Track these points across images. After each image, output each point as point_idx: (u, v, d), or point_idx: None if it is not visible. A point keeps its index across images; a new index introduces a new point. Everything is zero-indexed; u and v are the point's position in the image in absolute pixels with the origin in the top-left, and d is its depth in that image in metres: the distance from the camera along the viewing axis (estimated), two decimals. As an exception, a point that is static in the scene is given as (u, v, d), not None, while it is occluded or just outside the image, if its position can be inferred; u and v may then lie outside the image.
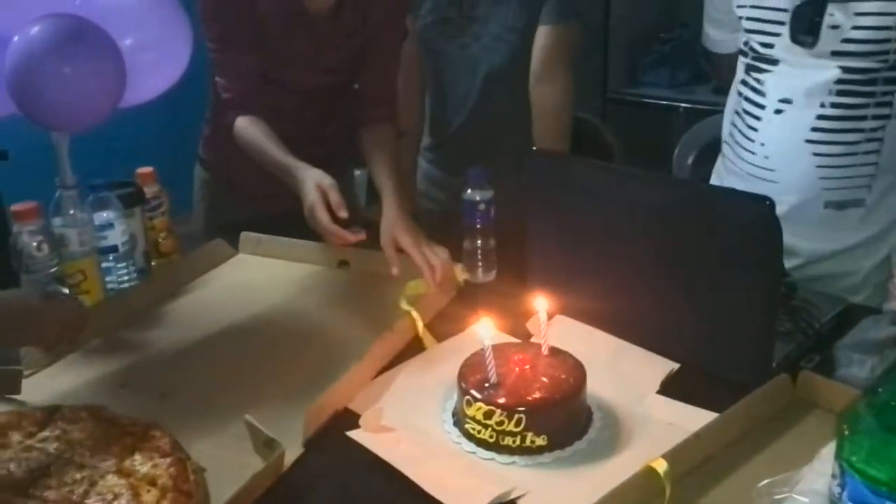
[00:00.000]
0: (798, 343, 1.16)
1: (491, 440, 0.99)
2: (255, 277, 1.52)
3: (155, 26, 1.69)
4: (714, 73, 1.82)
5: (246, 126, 1.50)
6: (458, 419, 1.04)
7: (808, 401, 1.03)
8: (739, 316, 1.09)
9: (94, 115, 1.63)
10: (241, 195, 1.69)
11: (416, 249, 1.36)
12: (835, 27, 1.27)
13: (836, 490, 0.71)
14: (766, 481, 0.85)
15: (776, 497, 0.83)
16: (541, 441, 0.98)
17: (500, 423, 0.98)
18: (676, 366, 1.15)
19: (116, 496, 0.89)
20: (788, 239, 1.31)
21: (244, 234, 1.61)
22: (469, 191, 1.38)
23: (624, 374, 1.14)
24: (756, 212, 1.05)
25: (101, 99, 1.62)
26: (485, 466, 0.98)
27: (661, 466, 0.88)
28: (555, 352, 1.08)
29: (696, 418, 1.01)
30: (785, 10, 1.32)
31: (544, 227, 1.31)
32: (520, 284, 1.32)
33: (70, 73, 1.54)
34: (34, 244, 1.29)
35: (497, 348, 1.05)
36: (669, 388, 1.11)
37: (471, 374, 1.04)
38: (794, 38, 1.32)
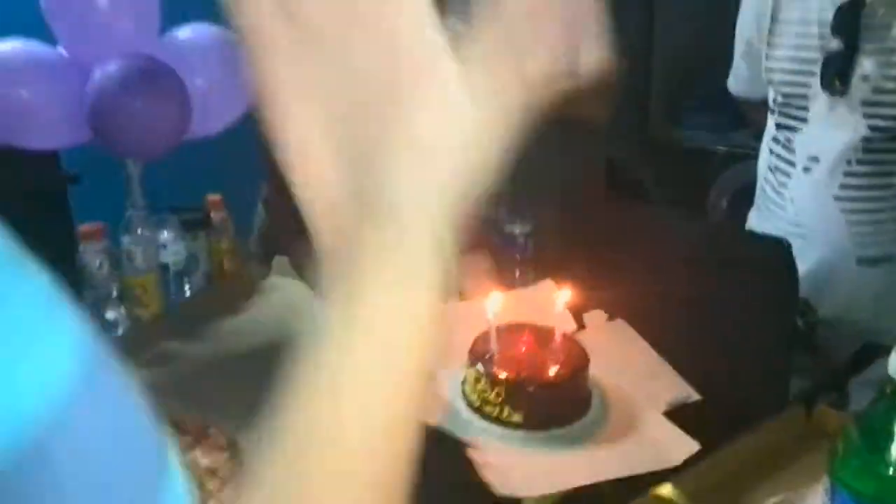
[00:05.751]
0: (815, 379, 1.22)
1: (476, 405, 1.05)
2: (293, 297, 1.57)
3: (223, 68, 1.85)
4: (748, 118, 1.83)
5: None
6: (463, 377, 1.10)
7: (822, 433, 1.07)
8: (757, 351, 1.16)
9: (162, 145, 1.78)
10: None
11: None
12: (865, 77, 1.30)
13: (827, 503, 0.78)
14: (772, 500, 0.91)
15: (780, 515, 0.89)
16: (516, 418, 1.02)
17: (483, 392, 1.03)
18: (696, 396, 1.15)
19: (181, 484, 0.98)
20: (818, 292, 1.35)
21: (277, 259, 1.66)
22: (508, 224, 1.47)
23: (642, 384, 1.14)
24: (774, 253, 1.12)
25: (168, 131, 1.77)
26: (462, 421, 1.04)
27: (668, 491, 0.90)
28: (567, 340, 1.11)
29: (682, 447, 1.00)
30: (815, 61, 1.35)
31: (582, 258, 1.35)
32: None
33: (140, 107, 1.69)
34: (97, 262, 1.39)
35: (512, 325, 1.11)
36: (683, 413, 1.12)
37: (482, 342, 1.08)
38: (825, 86, 1.32)
